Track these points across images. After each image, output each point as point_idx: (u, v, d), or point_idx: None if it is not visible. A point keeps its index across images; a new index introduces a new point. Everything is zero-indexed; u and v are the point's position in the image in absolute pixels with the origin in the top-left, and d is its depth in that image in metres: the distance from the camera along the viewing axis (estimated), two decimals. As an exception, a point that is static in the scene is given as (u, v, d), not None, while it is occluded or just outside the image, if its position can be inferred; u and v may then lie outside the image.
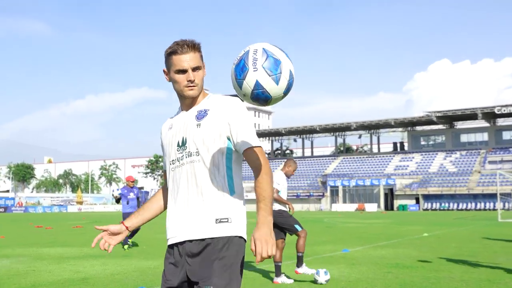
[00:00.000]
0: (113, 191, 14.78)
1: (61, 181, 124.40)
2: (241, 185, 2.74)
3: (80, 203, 78.99)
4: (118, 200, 14.55)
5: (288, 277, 8.36)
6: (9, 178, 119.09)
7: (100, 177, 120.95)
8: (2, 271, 9.59)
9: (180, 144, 2.70)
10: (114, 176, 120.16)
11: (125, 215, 14.10)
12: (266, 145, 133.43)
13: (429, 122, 79.83)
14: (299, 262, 8.60)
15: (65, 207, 75.98)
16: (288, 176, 8.50)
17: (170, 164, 2.74)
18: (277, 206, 8.33)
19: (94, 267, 10.16)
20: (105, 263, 10.88)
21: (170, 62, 2.70)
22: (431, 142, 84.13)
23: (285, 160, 11.22)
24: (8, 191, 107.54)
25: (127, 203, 14.43)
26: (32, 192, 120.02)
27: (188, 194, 2.64)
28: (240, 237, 2.65)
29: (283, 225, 8.29)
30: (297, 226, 8.31)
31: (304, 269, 8.58)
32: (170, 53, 2.69)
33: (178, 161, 2.69)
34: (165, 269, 2.72)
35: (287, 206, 8.34)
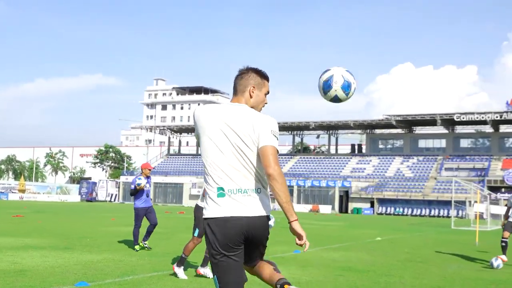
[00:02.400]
0: (139, 178, 11.67)
1: (3, 167, 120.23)
2: None
3: (23, 191, 76.17)
4: (136, 192, 11.72)
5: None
6: None
7: (45, 165, 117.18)
8: None
9: None
10: (61, 164, 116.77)
11: (141, 211, 11.83)
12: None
13: (388, 125, 78.94)
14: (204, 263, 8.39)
15: (6, 194, 73.31)
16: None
17: None
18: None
19: (34, 259, 9.62)
20: (46, 255, 10.34)
21: (264, 85, 3.59)
22: (389, 146, 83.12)
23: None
24: None
25: (147, 196, 11.89)
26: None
27: None
28: None
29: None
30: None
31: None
32: (266, 78, 3.61)
33: None
34: None
35: None
